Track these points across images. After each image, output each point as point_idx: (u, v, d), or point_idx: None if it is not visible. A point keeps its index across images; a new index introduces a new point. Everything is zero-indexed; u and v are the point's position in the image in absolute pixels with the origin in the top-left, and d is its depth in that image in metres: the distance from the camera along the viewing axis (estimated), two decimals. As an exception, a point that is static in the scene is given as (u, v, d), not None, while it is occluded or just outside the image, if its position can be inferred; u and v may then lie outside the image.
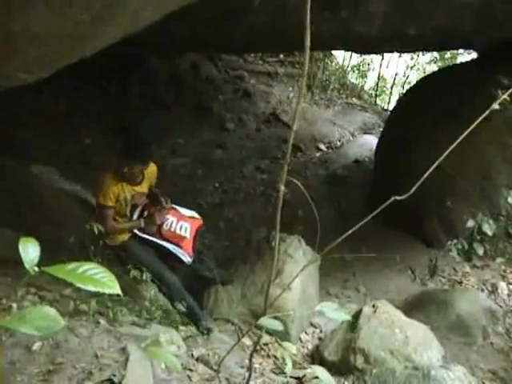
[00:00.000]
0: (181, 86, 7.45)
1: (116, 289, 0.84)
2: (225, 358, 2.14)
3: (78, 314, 2.20)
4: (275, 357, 2.72)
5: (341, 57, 10.49)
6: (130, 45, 2.60)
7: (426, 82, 5.91)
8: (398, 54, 9.52)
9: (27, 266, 0.82)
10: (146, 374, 1.74)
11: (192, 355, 2.32)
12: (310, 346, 3.28)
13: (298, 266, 3.34)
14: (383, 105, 10.67)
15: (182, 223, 3.14)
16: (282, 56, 9.18)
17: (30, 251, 0.84)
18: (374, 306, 3.08)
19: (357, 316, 3.04)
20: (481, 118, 1.33)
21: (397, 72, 10.95)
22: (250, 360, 1.77)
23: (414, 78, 10.43)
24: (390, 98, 11.07)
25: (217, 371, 2.15)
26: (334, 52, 9.73)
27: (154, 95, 7.02)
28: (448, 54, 9.67)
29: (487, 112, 1.32)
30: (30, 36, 1.38)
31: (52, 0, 1.29)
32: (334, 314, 1.40)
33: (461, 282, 4.18)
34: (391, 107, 8.56)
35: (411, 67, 10.59)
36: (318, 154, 7.26)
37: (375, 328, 2.89)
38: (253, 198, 5.97)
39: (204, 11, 2.90)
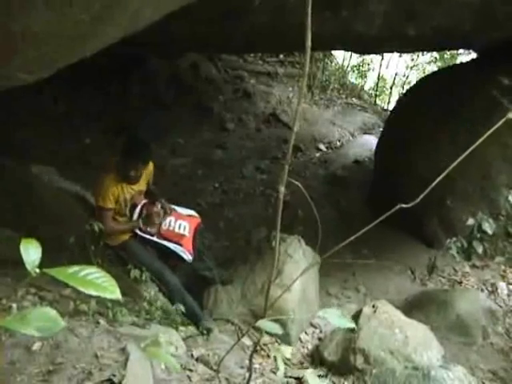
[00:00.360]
0: (181, 85, 7.44)
1: (117, 294, 0.84)
2: (225, 359, 2.14)
3: (77, 315, 2.20)
4: (275, 357, 2.72)
5: (341, 57, 10.51)
6: (130, 45, 2.60)
7: (426, 82, 5.90)
8: (398, 54, 9.52)
9: (28, 267, 0.82)
10: (146, 374, 1.74)
11: (192, 355, 2.32)
12: (309, 346, 3.28)
13: (298, 266, 3.34)
14: (383, 105, 10.67)
15: (180, 222, 3.16)
16: (281, 56, 9.18)
17: (31, 252, 0.84)
18: (373, 306, 3.08)
19: (357, 316, 3.04)
20: (491, 131, 1.33)
21: (397, 72, 10.96)
22: (250, 360, 1.77)
23: (414, 78, 10.44)
24: (389, 98, 11.07)
25: (217, 371, 2.15)
26: (333, 52, 9.73)
27: (154, 95, 7.02)
28: (448, 54, 9.66)
29: (499, 124, 1.32)
30: (30, 36, 1.38)
31: (52, 0, 1.29)
32: (337, 320, 1.38)
33: (461, 282, 4.19)
34: (391, 107, 8.56)
35: (411, 67, 10.59)
36: (317, 155, 7.26)
37: (375, 328, 2.89)
38: (253, 198, 5.97)
39: (204, 11, 2.90)
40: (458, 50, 7.63)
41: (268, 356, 2.78)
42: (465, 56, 8.46)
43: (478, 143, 1.35)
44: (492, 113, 4.06)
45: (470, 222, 4.38)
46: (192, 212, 3.33)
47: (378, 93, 10.88)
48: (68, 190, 4.01)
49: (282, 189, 1.20)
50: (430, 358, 2.75)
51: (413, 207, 1.32)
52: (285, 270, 3.31)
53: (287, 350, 1.96)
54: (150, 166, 3.11)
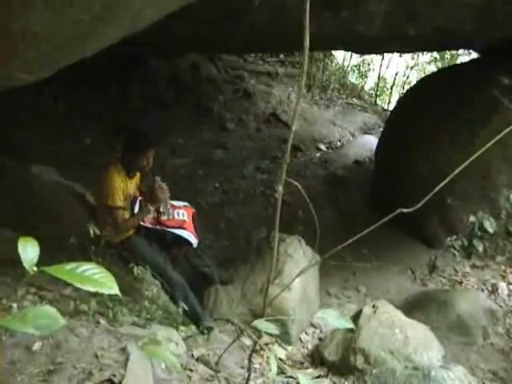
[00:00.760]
0: (181, 85, 7.44)
1: (115, 289, 0.84)
2: (225, 359, 2.14)
3: (78, 314, 2.20)
4: (268, 357, 2.72)
5: (341, 57, 10.50)
6: (130, 45, 2.60)
7: (426, 82, 5.90)
8: (399, 54, 9.52)
9: (26, 265, 0.82)
10: (146, 374, 1.73)
11: (192, 355, 2.32)
12: (310, 346, 3.28)
13: (297, 266, 3.34)
14: (383, 105, 10.67)
15: (178, 211, 3.23)
16: (282, 56, 9.18)
17: (29, 251, 0.84)
18: (374, 306, 3.08)
19: (357, 316, 3.04)
20: (496, 139, 1.33)
21: (397, 72, 10.95)
22: (250, 360, 1.78)
23: (414, 78, 10.44)
24: (390, 98, 11.07)
25: (217, 371, 2.15)
26: (334, 52, 9.72)
27: (154, 95, 7.02)
28: (448, 54, 9.66)
29: (505, 132, 1.32)
30: (30, 36, 1.38)
31: (52, 0, 1.29)
32: (336, 321, 1.38)
33: (461, 282, 4.19)
34: (391, 107, 8.56)
35: (411, 67, 10.59)
36: (318, 155, 7.26)
37: (375, 328, 2.89)
38: (253, 198, 5.96)
39: (204, 11, 2.90)
40: (458, 50, 7.63)
41: (268, 356, 2.78)
42: (465, 56, 8.47)
43: (483, 150, 1.34)
44: (492, 113, 4.07)
45: (472, 219, 4.39)
46: (186, 203, 3.39)
47: (378, 93, 10.88)
48: (68, 190, 4.01)
49: (281, 188, 1.20)
50: (430, 358, 2.75)
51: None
52: (285, 269, 3.31)
53: (281, 351, 1.96)
54: None
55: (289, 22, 2.88)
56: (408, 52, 7.70)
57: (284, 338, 3.10)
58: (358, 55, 9.64)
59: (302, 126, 7.59)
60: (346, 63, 10.56)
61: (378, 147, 6.01)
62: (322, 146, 7.47)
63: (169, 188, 3.07)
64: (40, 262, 0.84)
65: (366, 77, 10.96)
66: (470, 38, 4.35)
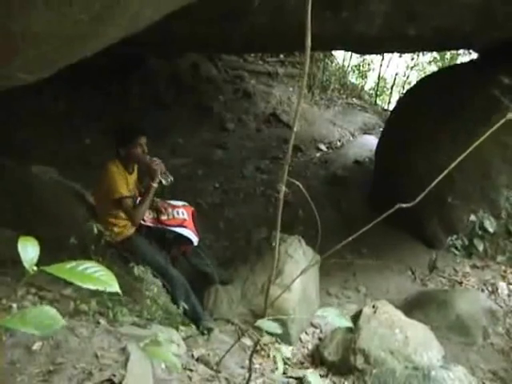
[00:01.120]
0: (181, 85, 7.44)
1: (115, 287, 0.83)
2: (225, 359, 2.14)
3: (78, 314, 2.20)
4: (274, 357, 2.72)
5: (341, 57, 10.51)
6: (130, 45, 2.60)
7: (426, 82, 5.90)
8: (399, 55, 9.52)
9: (26, 265, 0.82)
10: (146, 374, 1.73)
11: (192, 355, 2.32)
12: (310, 346, 3.28)
13: (298, 266, 3.34)
14: (383, 105, 10.67)
15: (177, 210, 3.28)
16: (282, 56, 9.18)
17: (29, 250, 0.84)
18: (374, 307, 3.08)
19: (357, 316, 3.04)
20: (491, 131, 1.34)
21: (397, 72, 10.98)
22: (250, 360, 1.77)
23: (414, 78, 10.45)
24: (390, 98, 11.08)
25: (217, 371, 2.15)
26: (334, 52, 9.73)
27: (154, 95, 7.02)
28: (448, 54, 9.66)
29: (499, 124, 1.32)
30: (30, 36, 1.38)
31: (52, 0, 1.29)
32: (336, 320, 1.39)
33: (461, 282, 4.18)
34: (391, 107, 8.56)
35: (411, 67, 10.59)
36: (318, 155, 7.26)
37: (375, 328, 2.89)
38: (253, 198, 5.96)
39: (204, 11, 2.90)
40: (458, 50, 7.63)
41: (268, 356, 2.78)
42: (465, 56, 8.47)
43: (477, 143, 1.35)
44: (492, 113, 4.06)
45: (472, 218, 4.40)
46: (185, 203, 3.43)
47: (378, 93, 10.89)
48: (68, 190, 4.01)
49: (283, 188, 1.20)
50: (430, 358, 2.75)
51: (413, 207, 1.32)
52: (285, 270, 3.31)
53: (287, 350, 1.97)
54: None
55: (289, 22, 2.88)
56: (408, 52, 7.71)
57: (284, 338, 3.10)
58: (358, 55, 9.65)
59: (302, 126, 7.59)
60: (346, 63, 10.58)
61: (377, 147, 6.01)
62: (322, 146, 7.47)
63: (169, 188, 3.08)
64: (40, 262, 0.84)
65: (366, 77, 10.97)
66: (469, 38, 4.34)
